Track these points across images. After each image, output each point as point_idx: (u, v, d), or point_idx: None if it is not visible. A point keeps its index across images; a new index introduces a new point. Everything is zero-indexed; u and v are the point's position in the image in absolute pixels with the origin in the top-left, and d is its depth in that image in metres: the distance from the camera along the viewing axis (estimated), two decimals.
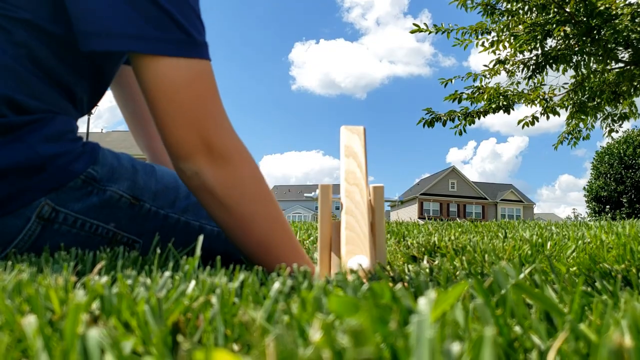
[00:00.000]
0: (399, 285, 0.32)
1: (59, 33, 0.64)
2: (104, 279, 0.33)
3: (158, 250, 0.54)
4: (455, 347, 0.18)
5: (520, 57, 5.24)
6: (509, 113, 5.42)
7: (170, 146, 0.61)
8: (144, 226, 0.72)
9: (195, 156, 0.61)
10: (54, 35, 0.64)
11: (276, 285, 0.32)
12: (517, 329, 0.27)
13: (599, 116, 6.13)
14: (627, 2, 4.52)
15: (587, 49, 4.80)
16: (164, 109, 0.60)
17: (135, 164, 0.73)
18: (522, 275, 0.50)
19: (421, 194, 34.04)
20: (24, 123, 0.63)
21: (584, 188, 24.12)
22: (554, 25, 4.67)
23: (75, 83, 0.69)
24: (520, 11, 4.96)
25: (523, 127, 5.69)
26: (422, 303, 0.22)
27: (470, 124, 5.52)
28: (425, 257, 1.06)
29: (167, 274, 0.35)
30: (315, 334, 0.21)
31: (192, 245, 0.74)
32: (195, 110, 0.60)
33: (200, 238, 0.49)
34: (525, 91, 5.58)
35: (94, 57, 0.70)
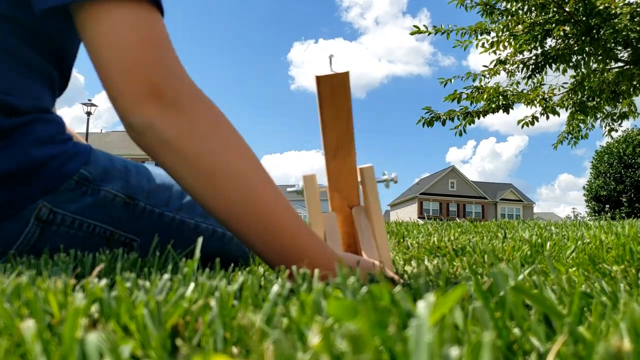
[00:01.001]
0: (398, 288, 0.32)
1: (24, 18, 0.63)
2: (103, 281, 0.33)
3: (157, 253, 0.54)
4: (454, 352, 0.18)
5: (520, 57, 5.25)
6: (508, 113, 5.42)
7: (115, 99, 0.56)
8: (140, 225, 0.72)
9: (144, 106, 0.55)
10: (19, 21, 0.63)
11: (275, 288, 0.32)
12: (516, 330, 0.27)
13: (598, 116, 6.14)
14: (626, 2, 4.52)
15: (586, 49, 4.80)
16: (106, 58, 0.55)
17: (127, 165, 0.74)
18: (521, 277, 0.50)
19: (421, 194, 34.06)
20: (15, 126, 0.63)
21: (584, 187, 24.15)
22: (554, 25, 4.68)
23: (47, 67, 0.69)
24: (520, 11, 4.97)
25: (523, 127, 5.70)
26: (421, 306, 0.22)
27: (469, 124, 5.53)
28: (426, 257, 1.06)
29: (166, 276, 0.35)
30: (314, 338, 0.21)
31: (189, 244, 0.74)
32: (140, 55, 0.55)
33: (200, 240, 0.49)
34: (525, 91, 5.58)
35: (61, 35, 0.67)
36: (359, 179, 0.74)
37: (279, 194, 0.58)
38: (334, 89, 0.59)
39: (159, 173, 0.77)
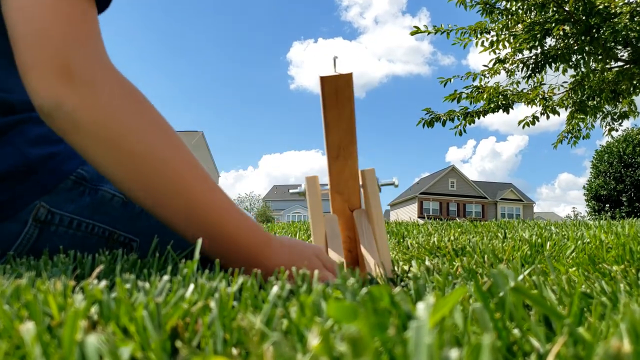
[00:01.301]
0: (398, 289, 0.32)
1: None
2: (103, 283, 0.33)
3: (157, 253, 0.54)
4: (454, 354, 0.18)
5: (520, 56, 5.25)
6: (508, 112, 5.42)
7: (24, 77, 0.54)
8: (139, 225, 0.72)
9: (53, 84, 0.52)
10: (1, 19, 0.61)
11: (275, 289, 0.32)
12: (516, 331, 0.27)
13: (598, 115, 6.14)
14: (626, 1, 4.52)
15: (586, 48, 4.80)
16: (18, 31, 0.53)
17: None
18: (521, 277, 0.50)
19: (421, 193, 34.06)
20: (11, 124, 0.63)
21: (584, 187, 24.14)
22: (553, 24, 4.68)
23: None
24: (519, 10, 4.97)
25: (523, 127, 5.70)
26: (421, 308, 0.22)
27: (470, 124, 5.53)
28: (426, 257, 1.06)
29: (166, 277, 0.35)
30: (314, 340, 0.21)
31: (189, 244, 0.74)
32: (51, 30, 0.53)
33: (200, 241, 0.49)
34: (525, 90, 5.59)
35: None
36: (361, 182, 0.74)
37: (202, 174, 0.56)
38: (337, 89, 0.59)
39: None
